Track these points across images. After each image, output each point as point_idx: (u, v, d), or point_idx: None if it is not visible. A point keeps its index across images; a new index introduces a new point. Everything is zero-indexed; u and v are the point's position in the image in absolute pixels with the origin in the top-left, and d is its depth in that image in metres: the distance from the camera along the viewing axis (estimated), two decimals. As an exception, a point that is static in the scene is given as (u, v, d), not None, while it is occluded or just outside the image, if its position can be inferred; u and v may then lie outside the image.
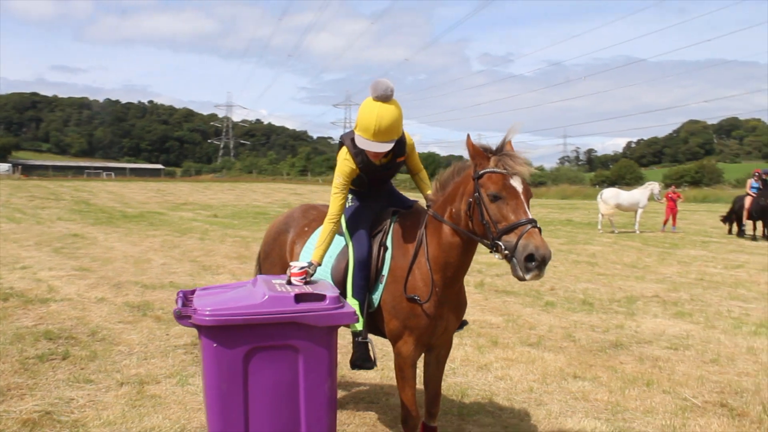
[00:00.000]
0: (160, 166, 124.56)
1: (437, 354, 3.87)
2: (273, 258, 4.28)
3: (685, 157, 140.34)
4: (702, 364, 6.11)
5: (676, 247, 16.95)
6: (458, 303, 3.73)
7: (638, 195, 21.74)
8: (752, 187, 20.41)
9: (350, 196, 3.92)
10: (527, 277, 3.02)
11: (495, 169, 3.19)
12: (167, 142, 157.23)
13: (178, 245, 14.99)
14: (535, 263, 2.99)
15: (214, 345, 2.79)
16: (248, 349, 2.82)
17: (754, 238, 19.68)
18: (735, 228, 21.04)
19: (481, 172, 3.23)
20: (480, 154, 3.26)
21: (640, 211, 21.69)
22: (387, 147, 3.56)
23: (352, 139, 3.69)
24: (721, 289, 10.51)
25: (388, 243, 3.70)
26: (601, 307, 8.76)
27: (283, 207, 36.57)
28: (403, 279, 3.54)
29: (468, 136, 3.29)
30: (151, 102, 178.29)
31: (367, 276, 3.64)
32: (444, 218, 3.49)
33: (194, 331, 6.73)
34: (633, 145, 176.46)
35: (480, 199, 3.21)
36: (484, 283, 10.56)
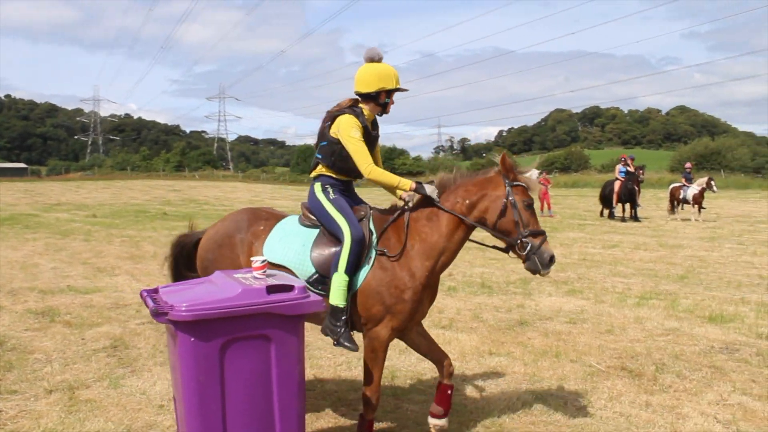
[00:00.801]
0: (23, 165, 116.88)
1: (417, 330, 4.22)
2: (222, 266, 4.11)
3: (553, 144, 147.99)
4: (599, 335, 6.76)
5: (556, 230, 18.10)
6: (435, 289, 4.13)
7: (519, 182, 22.94)
8: (620, 172, 22.07)
9: (330, 189, 4.13)
10: (545, 273, 3.86)
11: (526, 184, 3.96)
12: (29, 139, 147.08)
13: (64, 248, 14.38)
14: (552, 264, 3.87)
15: (192, 339, 2.92)
16: (224, 341, 2.98)
17: (623, 219, 21.33)
18: (606, 211, 22.72)
19: (517, 183, 3.94)
20: (513, 169, 3.97)
21: (520, 197, 22.90)
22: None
23: (350, 107, 4.15)
24: (602, 267, 11.45)
25: (372, 228, 4.00)
26: (499, 290, 9.35)
27: (164, 204, 35.53)
28: (392, 265, 3.87)
29: (504, 154, 3.97)
30: (8, 96, 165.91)
31: (360, 254, 3.86)
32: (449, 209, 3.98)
33: (113, 333, 6.75)
34: (504, 134, 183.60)
35: (515, 203, 3.89)
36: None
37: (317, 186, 4.17)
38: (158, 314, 2.97)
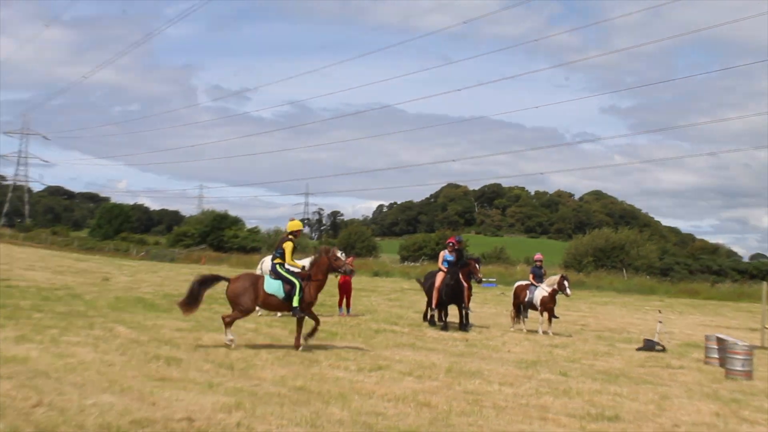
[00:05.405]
0: None
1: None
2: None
3: (443, 226, 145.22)
4: None
5: (334, 336, 14.42)
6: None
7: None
8: (444, 261, 18.62)
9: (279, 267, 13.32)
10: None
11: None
12: None
13: None
14: None
15: None
16: None
17: (445, 326, 17.70)
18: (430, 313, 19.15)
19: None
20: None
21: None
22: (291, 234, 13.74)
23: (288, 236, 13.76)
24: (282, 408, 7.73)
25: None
26: None
27: None
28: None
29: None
30: None
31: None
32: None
33: None
34: (385, 209, 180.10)
35: None
36: None
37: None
38: None
